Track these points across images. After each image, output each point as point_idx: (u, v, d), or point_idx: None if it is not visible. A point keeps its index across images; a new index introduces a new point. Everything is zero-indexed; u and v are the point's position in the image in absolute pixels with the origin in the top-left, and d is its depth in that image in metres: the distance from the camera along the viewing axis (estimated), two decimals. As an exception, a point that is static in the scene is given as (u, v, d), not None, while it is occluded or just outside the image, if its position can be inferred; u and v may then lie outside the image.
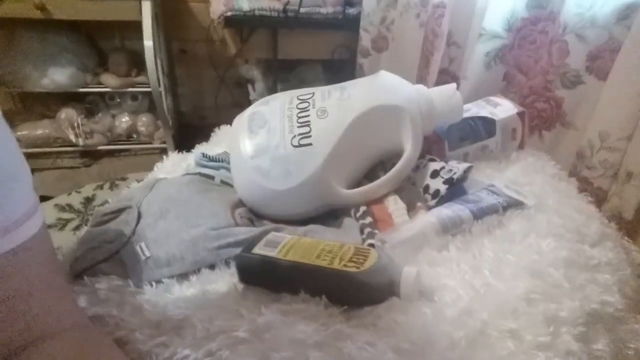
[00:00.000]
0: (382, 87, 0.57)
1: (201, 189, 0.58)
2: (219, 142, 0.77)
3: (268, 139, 0.56)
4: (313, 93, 0.59)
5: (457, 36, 0.94)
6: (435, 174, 0.59)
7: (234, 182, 0.59)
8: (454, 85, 0.61)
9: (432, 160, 0.61)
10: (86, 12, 1.31)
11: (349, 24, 1.28)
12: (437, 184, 0.58)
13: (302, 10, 1.23)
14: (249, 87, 1.59)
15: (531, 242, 0.47)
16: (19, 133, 1.44)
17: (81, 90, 1.46)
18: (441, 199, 0.57)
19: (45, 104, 1.51)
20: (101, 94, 1.55)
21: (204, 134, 0.85)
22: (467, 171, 0.58)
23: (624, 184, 0.63)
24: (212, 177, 0.62)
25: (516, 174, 0.62)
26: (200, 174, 0.62)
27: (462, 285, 0.42)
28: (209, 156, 0.66)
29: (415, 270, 0.41)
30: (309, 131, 0.55)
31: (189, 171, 0.65)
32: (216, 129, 0.84)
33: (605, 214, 0.61)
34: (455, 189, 0.57)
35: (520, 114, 0.68)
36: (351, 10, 1.28)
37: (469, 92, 0.85)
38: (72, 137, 1.47)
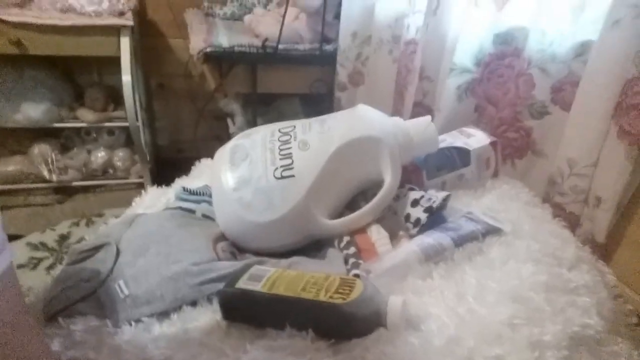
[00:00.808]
0: (361, 119, 0.59)
1: (182, 223, 0.57)
2: (199, 176, 0.77)
3: (250, 171, 0.56)
4: (294, 126, 0.60)
5: (429, 71, 0.98)
6: (415, 202, 0.60)
7: (215, 216, 0.58)
8: (428, 117, 0.63)
9: (412, 189, 0.63)
10: (64, 48, 1.31)
11: (326, 60, 1.32)
12: (418, 213, 0.59)
13: (280, 46, 1.26)
14: (229, 120, 1.60)
15: (511, 267, 0.49)
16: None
17: (56, 125, 1.44)
18: (422, 227, 0.57)
19: (18, 139, 1.47)
20: (77, 129, 1.53)
21: (182, 168, 0.84)
22: (445, 199, 0.60)
23: (594, 209, 0.65)
24: (193, 211, 0.61)
25: (492, 201, 0.64)
26: (181, 208, 0.62)
27: (447, 313, 0.42)
28: (190, 190, 0.65)
29: (401, 300, 0.41)
30: (291, 163, 0.55)
31: (169, 206, 0.64)
32: (196, 162, 0.84)
33: (579, 238, 0.63)
34: (436, 217, 0.58)
35: (492, 144, 0.71)
36: (328, 47, 1.32)
37: (443, 123, 0.89)
38: (46, 173, 1.43)
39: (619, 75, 0.60)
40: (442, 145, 0.68)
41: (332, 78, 1.36)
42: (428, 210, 0.58)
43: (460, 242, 0.53)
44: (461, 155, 0.69)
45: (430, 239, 0.54)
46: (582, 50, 0.69)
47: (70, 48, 1.32)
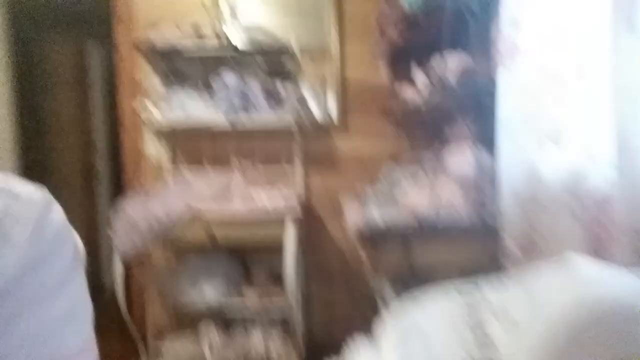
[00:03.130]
0: (587, 280, 0.44)
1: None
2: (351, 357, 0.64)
3: None
4: (480, 287, 0.47)
5: (636, 222, 0.78)
6: None
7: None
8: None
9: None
10: (245, 239, 1.49)
11: (487, 230, 1.21)
12: None
13: (433, 220, 1.22)
14: (379, 300, 1.49)
15: None
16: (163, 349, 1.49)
17: (225, 306, 1.53)
18: None
19: (191, 319, 1.60)
20: (241, 310, 1.60)
21: (333, 351, 0.75)
22: None
23: None
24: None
25: None
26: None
27: None
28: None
29: None
30: (496, 351, 0.41)
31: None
32: (348, 340, 0.73)
33: None
34: None
35: None
36: (488, 216, 1.23)
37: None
38: (207, 355, 1.46)
39: None
40: None
41: (495, 250, 1.20)
42: None
43: None
44: None
45: None
46: None
47: (250, 239, 1.49)
